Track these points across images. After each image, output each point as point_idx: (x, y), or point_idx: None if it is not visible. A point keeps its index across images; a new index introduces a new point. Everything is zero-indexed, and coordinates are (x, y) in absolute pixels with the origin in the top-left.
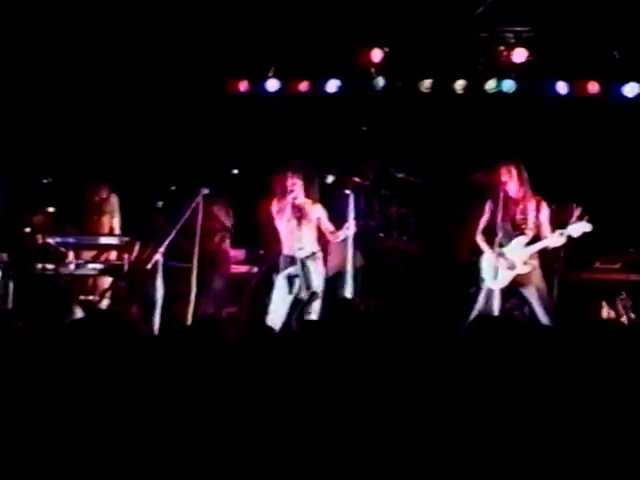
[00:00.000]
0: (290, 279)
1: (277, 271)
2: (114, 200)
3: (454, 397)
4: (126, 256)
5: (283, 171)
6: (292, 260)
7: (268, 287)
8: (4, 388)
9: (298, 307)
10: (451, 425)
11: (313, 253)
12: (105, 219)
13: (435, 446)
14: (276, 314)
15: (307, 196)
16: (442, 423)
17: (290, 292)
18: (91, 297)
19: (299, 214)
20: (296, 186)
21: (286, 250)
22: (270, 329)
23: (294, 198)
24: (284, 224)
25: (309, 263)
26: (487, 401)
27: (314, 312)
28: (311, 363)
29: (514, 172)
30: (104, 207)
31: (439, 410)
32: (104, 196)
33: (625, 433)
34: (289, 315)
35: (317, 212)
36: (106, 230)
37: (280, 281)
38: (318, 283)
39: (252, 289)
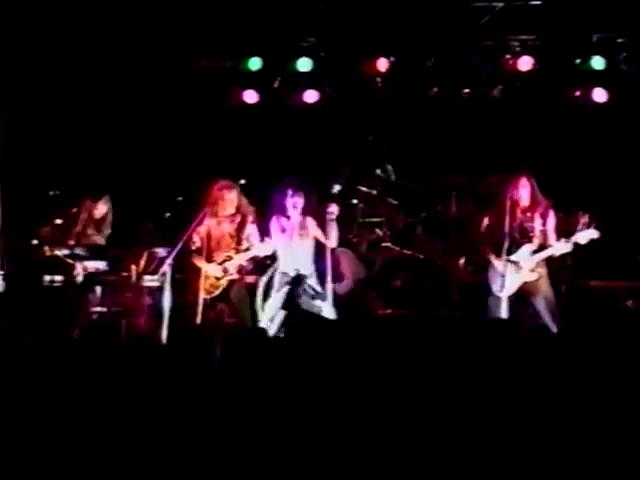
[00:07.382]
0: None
1: (272, 287)
2: (110, 216)
3: (460, 401)
4: (134, 267)
5: (283, 189)
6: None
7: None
8: (12, 400)
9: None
10: (457, 431)
11: (310, 273)
12: (100, 234)
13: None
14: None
15: (303, 213)
16: (447, 428)
17: (284, 308)
18: (99, 309)
19: (302, 231)
20: (299, 204)
21: (282, 267)
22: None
23: (299, 215)
24: (286, 242)
25: (309, 281)
26: (495, 406)
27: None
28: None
29: (523, 181)
30: (102, 224)
31: (446, 415)
32: (104, 213)
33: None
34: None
35: (312, 223)
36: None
37: (275, 297)
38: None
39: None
